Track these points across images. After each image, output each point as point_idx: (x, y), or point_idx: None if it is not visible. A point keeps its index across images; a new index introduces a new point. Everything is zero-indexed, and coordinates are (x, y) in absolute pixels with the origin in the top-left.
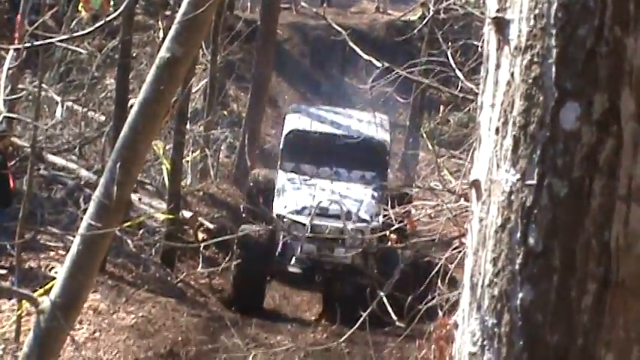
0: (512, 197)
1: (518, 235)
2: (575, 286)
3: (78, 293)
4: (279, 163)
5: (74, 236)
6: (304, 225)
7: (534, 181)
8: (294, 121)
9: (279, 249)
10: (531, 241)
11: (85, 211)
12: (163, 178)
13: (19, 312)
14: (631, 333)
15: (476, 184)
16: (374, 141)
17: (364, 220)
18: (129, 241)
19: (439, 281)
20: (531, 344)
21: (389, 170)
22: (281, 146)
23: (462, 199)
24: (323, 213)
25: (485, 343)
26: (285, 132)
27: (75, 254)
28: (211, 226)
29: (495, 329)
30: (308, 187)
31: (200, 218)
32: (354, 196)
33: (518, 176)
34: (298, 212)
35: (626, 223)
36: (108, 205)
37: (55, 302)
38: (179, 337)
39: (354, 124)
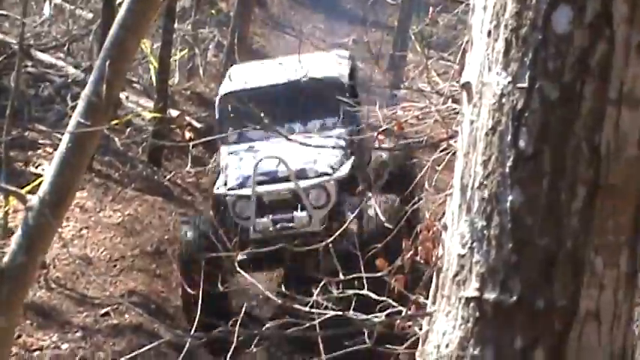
0: (504, 100)
1: (509, 138)
2: (564, 189)
3: (66, 191)
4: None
5: (62, 134)
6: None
7: (525, 84)
8: (227, 84)
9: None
10: (522, 144)
11: (73, 108)
12: (151, 77)
13: (6, 208)
14: (620, 236)
15: (467, 86)
16: (326, 80)
17: (324, 174)
18: (116, 140)
19: (426, 183)
20: (520, 247)
21: (357, 107)
22: (217, 116)
23: (450, 101)
24: (270, 178)
25: (474, 245)
26: (217, 99)
27: (63, 152)
28: (199, 125)
29: (485, 231)
30: (254, 154)
31: (187, 117)
32: (309, 149)
33: (509, 79)
34: (241, 185)
35: (617, 127)
36: (97, 103)
37: (43, 199)
38: (166, 236)
39: (302, 68)
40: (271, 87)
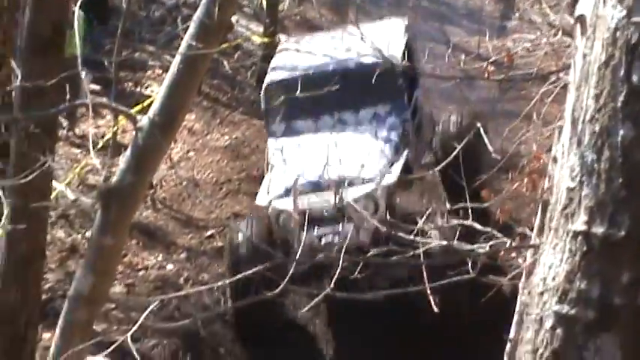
0: (618, 34)
1: (622, 72)
2: None
3: (176, 112)
4: (265, 129)
5: (173, 56)
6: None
7: None
8: (272, 72)
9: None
10: (635, 78)
11: (184, 30)
12: (261, 1)
13: (116, 128)
14: None
15: (581, 19)
16: (377, 65)
17: (371, 181)
18: (225, 63)
19: (535, 115)
20: (630, 181)
21: (412, 93)
22: (262, 106)
23: (561, 33)
24: (315, 187)
25: (583, 178)
26: (263, 88)
27: (174, 73)
28: None
29: (595, 165)
30: (301, 152)
31: None
32: (358, 148)
33: (624, 13)
34: (285, 194)
35: None
36: (209, 26)
37: (153, 120)
38: None
39: (354, 48)
40: (319, 74)
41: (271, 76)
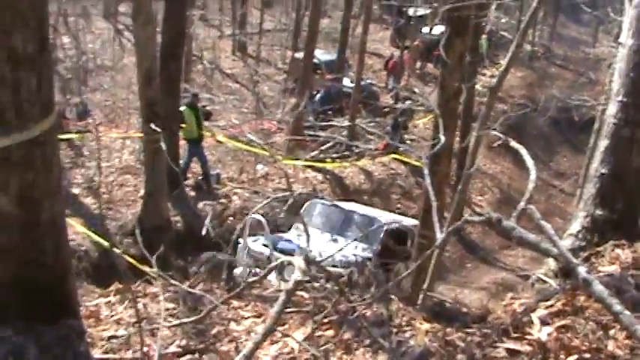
0: (632, 50)
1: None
2: None
3: (502, 79)
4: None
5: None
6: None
7: None
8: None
9: None
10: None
11: None
12: None
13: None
14: None
15: (619, 43)
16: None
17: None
18: None
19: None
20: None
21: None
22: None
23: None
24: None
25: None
26: (305, 205)
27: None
28: None
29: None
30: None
31: None
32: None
33: (633, 40)
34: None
35: None
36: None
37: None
38: None
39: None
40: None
41: (308, 204)
